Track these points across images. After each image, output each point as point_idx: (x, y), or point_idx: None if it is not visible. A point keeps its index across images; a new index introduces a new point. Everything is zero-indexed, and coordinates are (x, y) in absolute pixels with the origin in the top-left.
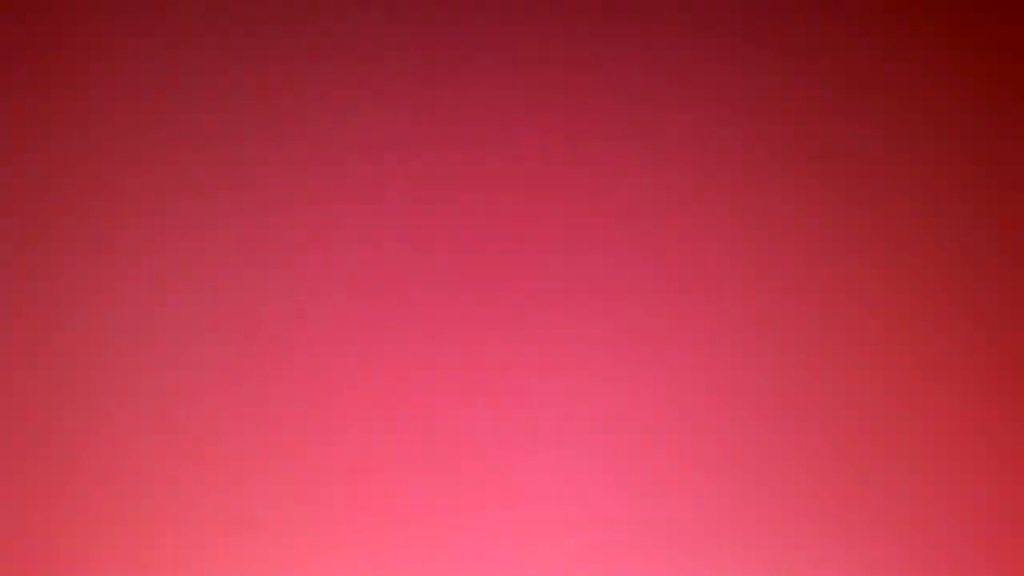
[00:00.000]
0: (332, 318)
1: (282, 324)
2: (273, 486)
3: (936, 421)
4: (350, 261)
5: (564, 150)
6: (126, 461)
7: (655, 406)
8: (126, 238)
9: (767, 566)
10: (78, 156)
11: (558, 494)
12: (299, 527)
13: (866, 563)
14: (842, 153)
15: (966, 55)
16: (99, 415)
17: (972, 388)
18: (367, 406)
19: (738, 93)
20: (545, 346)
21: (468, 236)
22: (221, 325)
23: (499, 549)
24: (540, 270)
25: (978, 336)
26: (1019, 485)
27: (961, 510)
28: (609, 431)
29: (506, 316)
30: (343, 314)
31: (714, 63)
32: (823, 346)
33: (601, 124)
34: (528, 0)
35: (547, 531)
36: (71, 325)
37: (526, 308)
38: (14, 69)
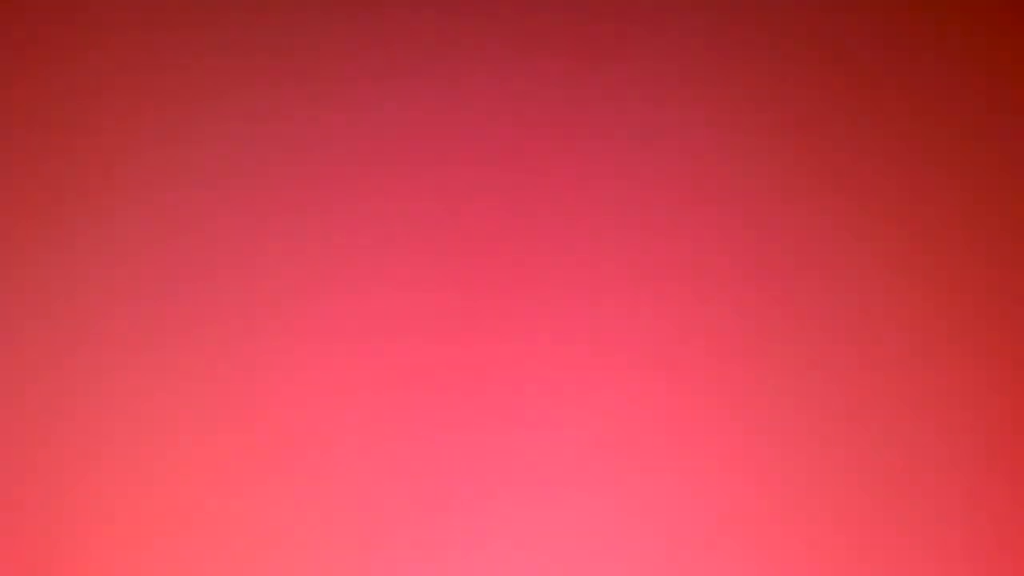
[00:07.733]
0: (337, 318)
1: (284, 325)
2: (276, 488)
3: (943, 422)
4: (352, 263)
5: (578, 144)
6: (121, 461)
7: (663, 407)
8: (123, 237)
9: (775, 565)
10: (74, 145)
11: (569, 495)
12: (301, 534)
13: (875, 564)
14: (847, 152)
15: (974, 51)
16: (96, 414)
17: (978, 387)
18: (372, 408)
19: (742, 93)
20: (553, 346)
21: (474, 235)
22: (219, 326)
23: (502, 551)
24: (540, 270)
25: (986, 335)
26: (1021, 484)
27: (962, 510)
28: (616, 433)
29: (511, 317)
30: (350, 314)
31: (717, 61)
32: (830, 346)
33: (608, 120)
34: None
35: (553, 533)
36: (69, 322)
37: (530, 308)
38: (12, 61)
